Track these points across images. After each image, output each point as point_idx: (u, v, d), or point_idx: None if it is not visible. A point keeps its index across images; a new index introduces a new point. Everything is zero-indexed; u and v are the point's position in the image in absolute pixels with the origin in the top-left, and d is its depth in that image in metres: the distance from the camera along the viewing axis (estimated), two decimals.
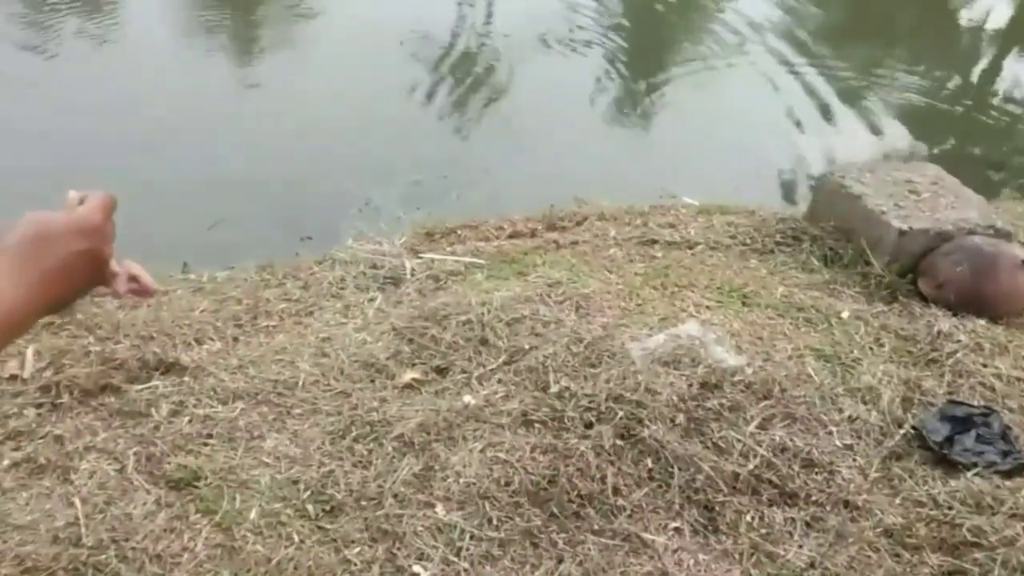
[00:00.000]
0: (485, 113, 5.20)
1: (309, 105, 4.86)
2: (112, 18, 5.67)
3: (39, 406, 2.20)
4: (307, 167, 4.38)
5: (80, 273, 0.98)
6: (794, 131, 4.96)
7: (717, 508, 1.92)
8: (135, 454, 2.07)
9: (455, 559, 1.80)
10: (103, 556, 1.79)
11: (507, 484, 1.94)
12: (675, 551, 1.84)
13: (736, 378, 2.16)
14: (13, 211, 0.92)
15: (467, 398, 2.19)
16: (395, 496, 1.94)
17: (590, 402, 2.09)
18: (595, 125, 5.24)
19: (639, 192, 3.71)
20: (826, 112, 5.33)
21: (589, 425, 2.05)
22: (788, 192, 4.28)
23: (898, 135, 4.84)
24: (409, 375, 2.31)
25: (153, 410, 2.19)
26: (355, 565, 1.80)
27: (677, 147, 4.88)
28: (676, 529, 1.88)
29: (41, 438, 2.10)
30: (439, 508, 1.91)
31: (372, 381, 2.30)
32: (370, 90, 5.08)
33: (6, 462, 2.05)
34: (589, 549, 1.81)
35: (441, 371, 2.32)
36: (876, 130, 4.94)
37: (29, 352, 2.35)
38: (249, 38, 5.79)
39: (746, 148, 4.69)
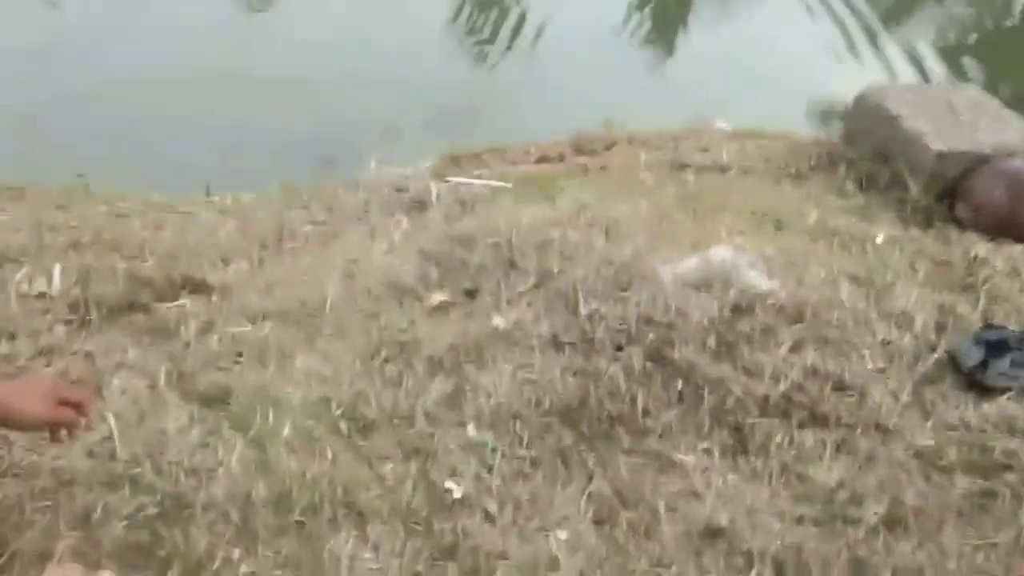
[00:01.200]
0: (510, 37, 5.15)
1: (330, 28, 4.83)
2: None
3: (68, 323, 2.23)
4: (329, 91, 4.37)
5: None
6: (829, 56, 4.89)
7: (747, 430, 1.95)
8: (166, 371, 2.11)
9: (487, 476, 1.84)
10: (138, 470, 1.84)
11: (538, 405, 1.98)
12: (704, 471, 1.88)
13: (768, 301, 2.18)
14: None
15: (496, 320, 2.22)
16: (427, 415, 1.98)
17: (620, 324, 2.12)
18: (623, 49, 5.19)
19: (669, 117, 3.69)
20: (863, 36, 5.24)
21: (619, 347, 2.08)
22: (822, 118, 4.23)
23: (938, 59, 4.75)
24: (438, 297, 2.34)
25: (182, 328, 2.23)
26: (388, 480, 1.85)
27: (708, 72, 4.82)
28: (705, 450, 1.92)
29: (72, 354, 2.14)
30: (470, 427, 1.95)
31: (400, 303, 2.33)
32: (392, 13, 5.03)
33: None
34: (619, 468, 1.86)
35: (470, 293, 2.34)
36: (915, 54, 4.86)
37: (56, 269, 2.38)
38: None
39: (780, 73, 4.64)
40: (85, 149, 3.65)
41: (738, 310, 2.16)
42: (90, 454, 1.94)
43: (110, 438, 1.95)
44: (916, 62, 4.91)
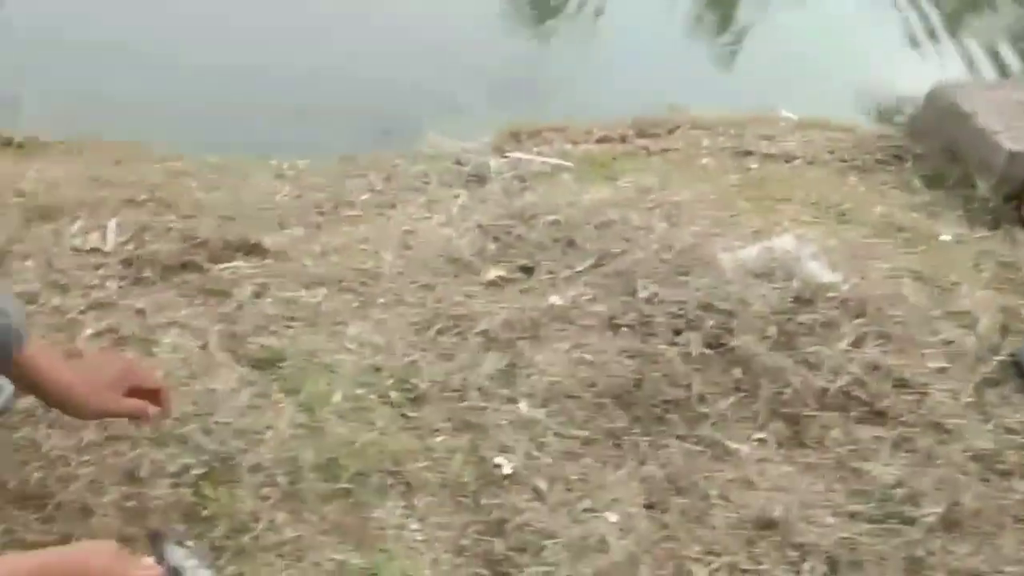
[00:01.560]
0: (572, 14, 5.11)
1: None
2: None
3: (121, 279, 2.25)
4: (388, 61, 4.35)
5: None
6: (901, 48, 4.78)
7: (803, 422, 1.92)
8: (218, 332, 2.12)
9: (537, 454, 1.83)
10: (186, 429, 1.85)
11: (592, 385, 1.96)
12: (759, 461, 1.85)
13: (830, 294, 2.14)
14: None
15: (553, 298, 2.20)
16: (479, 389, 1.98)
17: (679, 309, 2.09)
18: (685, 32, 5.11)
19: (731, 104, 3.63)
20: (931, 28, 5.11)
21: (677, 332, 2.05)
22: (887, 111, 4.14)
23: (1013, 55, 4.62)
24: (494, 272, 2.33)
25: (235, 290, 2.24)
26: (438, 453, 1.84)
27: (773, 59, 4.73)
28: (760, 440, 1.89)
29: (123, 311, 2.16)
30: (523, 404, 1.94)
31: (456, 276, 2.32)
32: None
33: (89, 331, 2.12)
34: (672, 453, 1.84)
35: (527, 270, 2.33)
36: (990, 48, 4.73)
37: (111, 224, 2.40)
38: None
39: (847, 63, 4.54)
40: (141, 108, 3.68)
41: (800, 301, 2.12)
42: None
43: None
44: (988, 57, 4.78)
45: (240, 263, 2.32)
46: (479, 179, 2.90)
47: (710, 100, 3.66)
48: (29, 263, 2.25)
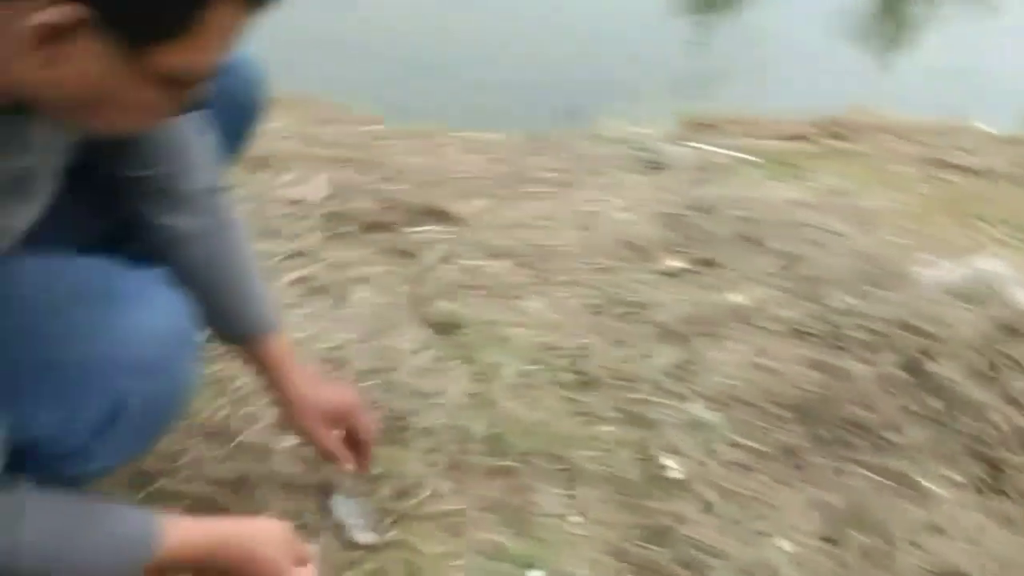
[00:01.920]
0: (751, 15, 4.68)
1: None
2: None
3: (322, 232, 2.11)
4: (570, 45, 4.10)
5: None
6: None
7: (1005, 467, 1.56)
8: (405, 292, 1.95)
9: (709, 461, 1.55)
10: (368, 383, 1.68)
11: (772, 394, 1.67)
12: (950, 504, 1.51)
13: None
14: None
15: (734, 296, 1.90)
16: (651, 382, 1.71)
17: (874, 324, 1.75)
18: (865, 31, 4.61)
19: (913, 108, 3.18)
20: None
21: (870, 349, 1.72)
22: None
23: None
24: (674, 262, 2.05)
25: (424, 253, 2.06)
26: (605, 444, 1.60)
27: (957, 67, 4.18)
28: (955, 481, 1.55)
29: (321, 262, 2.01)
30: (696, 404, 1.66)
31: (634, 262, 2.06)
32: None
33: (288, 278, 1.99)
34: (856, 482, 1.52)
35: (708, 264, 2.03)
36: None
37: (320, 180, 2.27)
38: None
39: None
40: (341, 73, 3.56)
41: (1008, 331, 1.74)
42: (323, 359, 1.81)
43: (341, 347, 1.81)
44: None
45: (430, 228, 2.13)
46: (658, 166, 2.61)
47: (889, 102, 3.24)
48: (242, 208, 2.15)
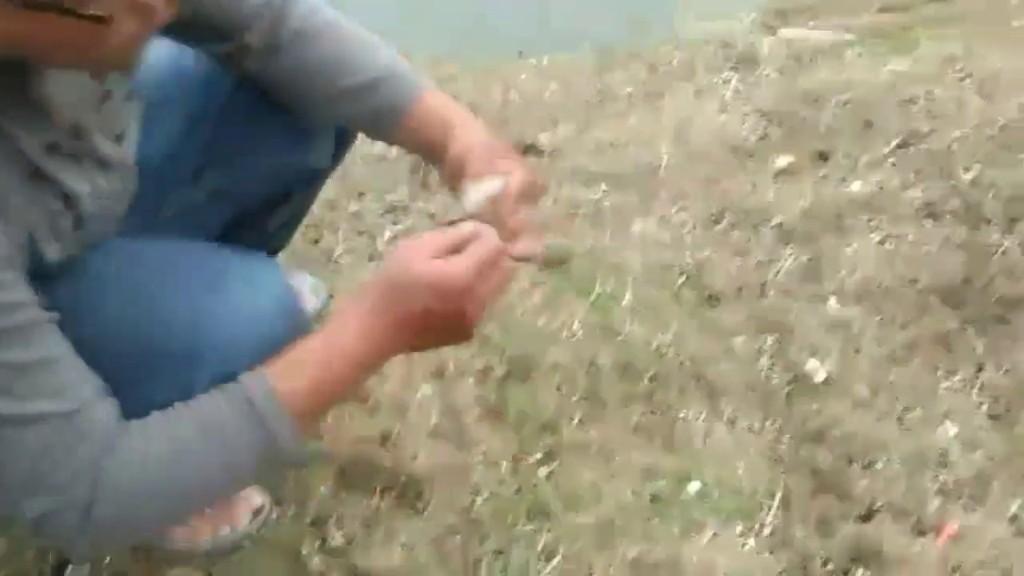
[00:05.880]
0: None
1: None
2: None
3: (409, 185, 2.22)
4: None
5: (432, 333, 0.88)
6: None
7: None
8: None
9: (854, 357, 1.62)
10: (486, 329, 1.79)
11: (913, 281, 1.72)
12: None
13: None
14: None
15: (856, 185, 1.95)
16: (780, 287, 1.78)
17: (1014, 194, 1.78)
18: None
19: None
20: None
21: (1015, 220, 1.75)
22: None
23: None
24: (784, 160, 2.10)
25: None
26: (740, 355, 1.68)
27: None
28: None
29: (416, 213, 2.12)
30: (831, 302, 1.73)
31: (742, 166, 2.11)
32: None
33: (388, 234, 2.10)
34: (1018, 357, 1.57)
35: (821, 156, 2.07)
36: None
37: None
38: None
39: None
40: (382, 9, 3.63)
41: None
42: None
43: None
44: None
45: None
46: (750, 61, 2.63)
47: None
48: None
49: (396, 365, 1.70)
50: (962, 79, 2.16)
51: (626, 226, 2.02)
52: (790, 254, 1.84)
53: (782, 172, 2.06)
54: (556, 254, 1.93)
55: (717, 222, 1.96)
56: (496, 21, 3.56)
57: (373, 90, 1.10)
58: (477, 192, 1.00)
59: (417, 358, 1.71)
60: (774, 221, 1.91)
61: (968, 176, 1.84)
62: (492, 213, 0.99)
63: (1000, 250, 1.70)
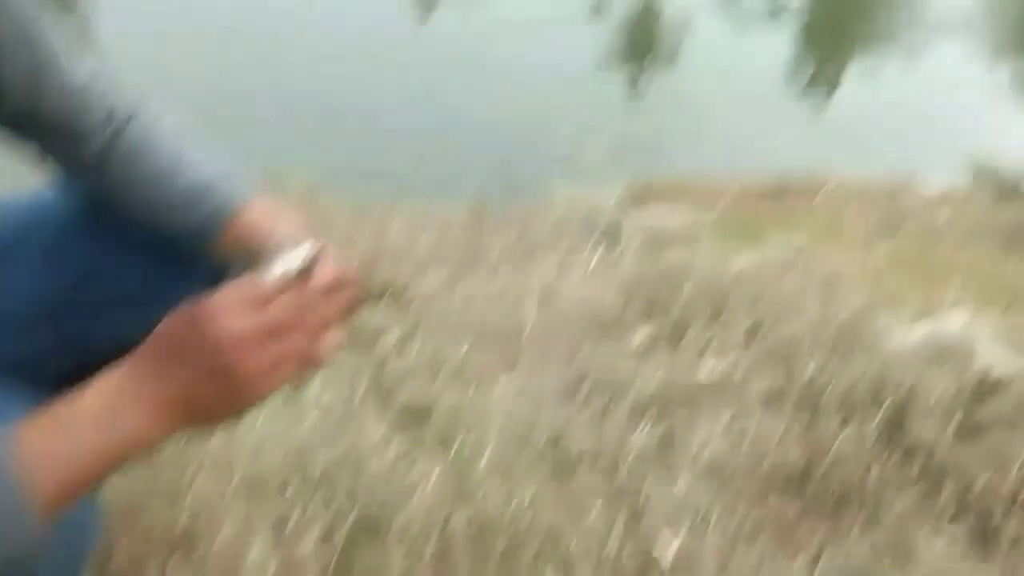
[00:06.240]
0: (689, 76, 4.99)
1: (511, 50, 4.77)
2: None
3: None
4: (513, 111, 4.31)
5: (213, 407, 0.75)
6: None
7: (995, 523, 1.73)
8: (364, 382, 2.03)
9: (702, 537, 1.67)
10: (333, 480, 1.75)
11: (757, 466, 1.81)
12: (945, 563, 1.66)
13: (1013, 386, 1.94)
14: None
15: (707, 367, 2.05)
16: (633, 460, 1.83)
17: (848, 391, 1.92)
18: (811, 93, 4.97)
19: (866, 168, 3.46)
20: None
21: (848, 415, 1.88)
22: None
23: None
24: (641, 335, 2.20)
25: (382, 337, 2.15)
26: (594, 525, 1.70)
27: (899, 123, 4.55)
28: (946, 541, 1.70)
29: None
30: (682, 480, 1.79)
31: (602, 336, 2.19)
32: (572, 40, 4.94)
33: None
34: (851, 549, 1.66)
35: (675, 336, 2.18)
36: None
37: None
38: None
39: (971, 126, 4.34)
40: (269, 143, 3.67)
41: (980, 391, 1.94)
42: (285, 456, 1.87)
43: (300, 448, 1.88)
44: None
45: (385, 311, 2.23)
46: (614, 236, 2.79)
47: (834, 158, 3.52)
48: None
49: (232, 509, 1.63)
50: (805, 275, 2.34)
51: (489, 385, 2.04)
52: (644, 428, 1.90)
53: (639, 347, 2.15)
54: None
55: (575, 391, 2.02)
56: (376, 162, 3.65)
57: (203, 197, 1.06)
58: (282, 264, 0.85)
59: (256, 507, 1.65)
60: (630, 394, 1.98)
61: (808, 371, 1.97)
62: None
63: (835, 443, 1.81)
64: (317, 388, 2.02)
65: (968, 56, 5.17)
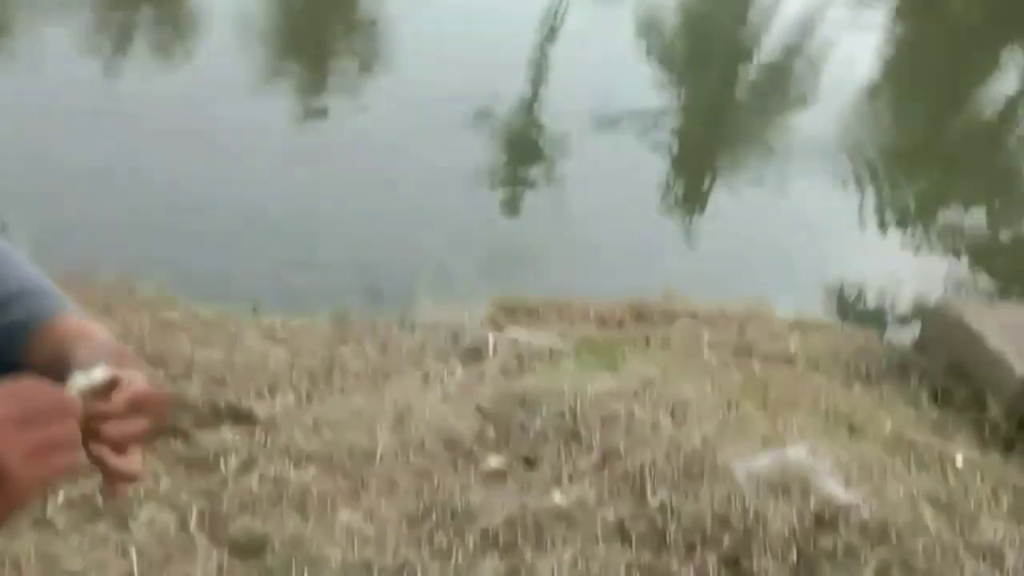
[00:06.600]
0: (560, 195, 5.12)
1: (377, 161, 4.81)
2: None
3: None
4: (380, 223, 4.31)
5: None
6: (881, 246, 4.84)
7: None
8: (199, 509, 1.93)
9: None
10: None
11: None
12: None
13: (851, 517, 1.99)
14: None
15: (557, 497, 2.04)
16: None
17: (694, 522, 1.93)
18: (675, 218, 5.17)
19: (723, 293, 3.59)
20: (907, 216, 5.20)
21: (692, 547, 1.89)
22: (879, 312, 4.13)
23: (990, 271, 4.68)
24: (494, 461, 2.17)
25: (221, 462, 2.06)
26: None
27: (752, 247, 4.75)
28: None
29: (98, 478, 1.96)
30: None
31: (455, 463, 2.16)
32: (441, 158, 5.01)
33: (61, 498, 1.92)
34: None
35: (529, 462, 2.17)
36: (971, 255, 4.78)
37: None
38: (324, 88, 5.78)
39: (825, 256, 4.58)
40: (129, 253, 3.55)
41: (820, 522, 1.98)
42: None
43: None
44: (972, 259, 4.81)
45: (228, 433, 2.14)
46: (476, 354, 2.78)
47: (692, 282, 3.63)
48: None
49: None
50: (657, 403, 2.38)
51: (332, 515, 1.97)
52: (490, 564, 1.86)
53: (492, 474, 2.12)
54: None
55: (423, 521, 1.97)
56: (232, 275, 3.56)
57: (12, 304, 1.02)
58: (81, 378, 0.85)
59: None
60: (478, 526, 1.94)
61: (655, 500, 1.98)
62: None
63: None
64: (149, 512, 1.92)
65: (825, 185, 5.50)
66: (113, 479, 0.85)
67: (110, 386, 0.85)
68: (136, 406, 0.86)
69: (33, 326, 1.00)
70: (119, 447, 0.85)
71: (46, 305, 1.02)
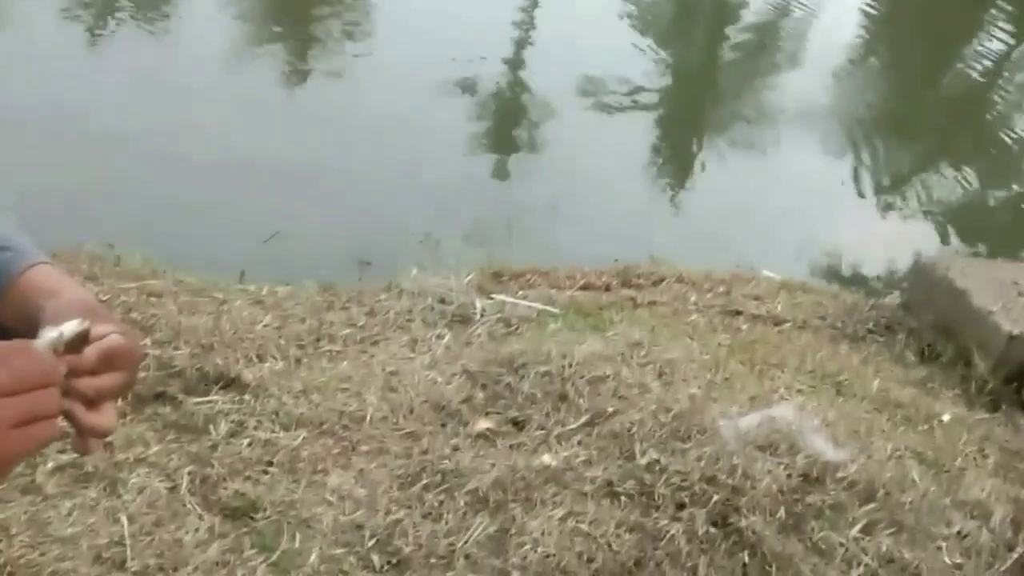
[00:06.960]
0: (546, 162, 5.11)
1: (367, 130, 4.78)
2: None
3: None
4: (366, 191, 4.29)
5: None
6: (866, 210, 4.85)
7: None
8: (189, 474, 1.93)
9: None
10: None
11: (590, 560, 1.80)
12: None
13: (838, 474, 2.01)
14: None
15: (546, 457, 2.05)
16: (467, 557, 1.80)
17: (682, 480, 1.95)
18: (660, 184, 5.16)
19: (709, 259, 3.60)
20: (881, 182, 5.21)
21: (681, 506, 1.91)
22: (864, 273, 4.15)
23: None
24: (483, 424, 2.18)
25: (211, 427, 2.06)
26: None
27: (739, 212, 4.76)
28: None
29: None
30: None
31: (444, 425, 2.17)
32: (432, 125, 4.99)
33: (51, 464, 1.92)
34: None
35: (517, 423, 2.18)
36: (957, 215, 4.81)
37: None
38: (308, 56, 5.73)
39: (811, 219, 4.59)
40: (115, 224, 3.52)
41: (807, 480, 2.00)
42: (97, 558, 1.75)
43: (121, 543, 1.77)
44: (958, 222, 4.84)
45: (217, 398, 2.14)
46: (463, 319, 2.77)
47: (686, 254, 3.64)
48: None
49: None
50: (644, 364, 2.39)
51: (322, 477, 1.98)
52: (480, 523, 1.87)
53: (480, 436, 2.13)
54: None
55: (414, 482, 1.97)
56: (220, 245, 3.55)
57: None
58: (52, 333, 0.84)
59: None
60: (468, 486, 1.95)
61: (644, 460, 2.00)
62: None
63: (667, 535, 1.83)
64: (139, 477, 1.92)
65: (810, 149, 5.50)
66: (84, 435, 0.85)
67: (81, 340, 0.85)
68: (109, 361, 0.87)
69: (3, 282, 1.00)
70: (91, 402, 0.85)
71: (19, 258, 1.02)
